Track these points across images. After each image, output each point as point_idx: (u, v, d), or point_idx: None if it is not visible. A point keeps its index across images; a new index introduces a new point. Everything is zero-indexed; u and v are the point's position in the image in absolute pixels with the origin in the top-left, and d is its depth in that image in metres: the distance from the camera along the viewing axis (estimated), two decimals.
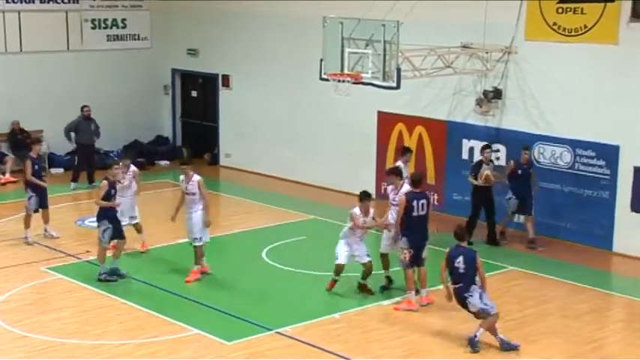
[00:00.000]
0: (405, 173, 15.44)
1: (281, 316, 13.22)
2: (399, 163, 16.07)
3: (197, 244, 14.70)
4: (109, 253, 14.80)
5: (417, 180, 13.97)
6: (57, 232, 17.05)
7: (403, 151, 16.75)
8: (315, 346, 12.15)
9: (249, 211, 19.38)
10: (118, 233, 14.70)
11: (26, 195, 16.77)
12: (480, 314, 12.08)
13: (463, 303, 12.19)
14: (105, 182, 14.62)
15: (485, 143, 17.31)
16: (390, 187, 14.36)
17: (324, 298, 14.18)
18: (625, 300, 14.53)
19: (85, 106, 21.29)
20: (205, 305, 13.67)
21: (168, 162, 24.10)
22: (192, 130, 25.20)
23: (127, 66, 24.32)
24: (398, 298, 13.83)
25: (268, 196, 20.56)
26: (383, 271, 14.36)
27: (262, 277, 15.20)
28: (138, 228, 16.33)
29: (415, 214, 13.53)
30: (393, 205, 14.01)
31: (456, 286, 12.15)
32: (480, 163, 16.91)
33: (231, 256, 16.69)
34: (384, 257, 14.34)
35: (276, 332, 12.60)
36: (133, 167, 16.39)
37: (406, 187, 14.03)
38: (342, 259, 13.96)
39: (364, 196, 13.88)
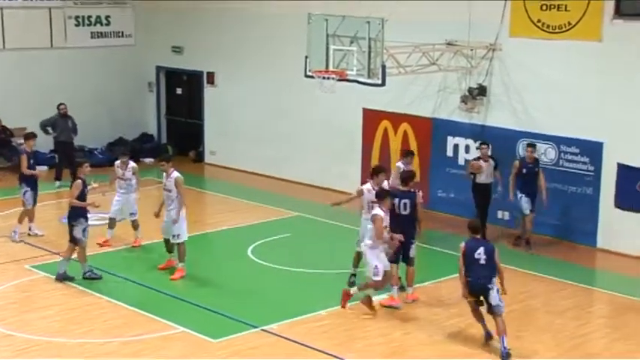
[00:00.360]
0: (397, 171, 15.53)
1: (267, 313, 13.21)
2: (399, 164, 16.03)
3: (177, 241, 14.67)
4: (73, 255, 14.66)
5: (405, 178, 13.93)
6: (41, 230, 16.98)
7: (405, 154, 16.43)
8: (300, 343, 12.15)
9: (235, 209, 19.35)
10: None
11: (21, 190, 16.74)
12: (494, 309, 11.95)
13: (484, 294, 11.94)
14: (79, 182, 14.40)
15: (481, 140, 17.23)
16: (369, 186, 14.13)
17: (310, 295, 14.19)
18: (608, 296, 14.59)
19: (61, 104, 21.15)
20: (191, 303, 13.64)
21: (152, 159, 24.03)
22: (177, 127, 25.15)
23: (111, 63, 24.23)
24: (383, 295, 13.84)
25: (253, 193, 20.54)
26: (351, 268, 14.31)
27: (248, 275, 15.18)
28: (135, 225, 16.34)
29: (397, 212, 13.47)
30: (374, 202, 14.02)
31: (476, 278, 11.93)
32: (477, 160, 16.88)
33: (216, 253, 16.69)
34: (357, 254, 14.22)
35: (262, 330, 12.59)
36: (132, 163, 16.41)
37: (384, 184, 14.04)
38: (381, 275, 13.01)
39: (386, 194, 13.28)
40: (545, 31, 17.09)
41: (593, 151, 16.62)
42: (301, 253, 16.17)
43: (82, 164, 14.78)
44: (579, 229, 16.92)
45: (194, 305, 13.56)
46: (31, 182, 16.73)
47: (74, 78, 23.46)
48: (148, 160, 24.04)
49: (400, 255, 13.57)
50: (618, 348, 12.32)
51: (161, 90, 25.19)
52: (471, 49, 17.80)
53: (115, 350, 11.93)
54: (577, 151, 16.86)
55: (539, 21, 17.16)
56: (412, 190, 13.81)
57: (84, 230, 14.40)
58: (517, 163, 16.63)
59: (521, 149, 17.42)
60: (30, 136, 17.27)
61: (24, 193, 16.68)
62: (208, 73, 23.53)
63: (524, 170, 16.45)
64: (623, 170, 16.23)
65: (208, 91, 23.70)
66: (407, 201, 13.52)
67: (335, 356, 11.78)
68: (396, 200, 13.47)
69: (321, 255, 16.09)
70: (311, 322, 12.93)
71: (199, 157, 24.14)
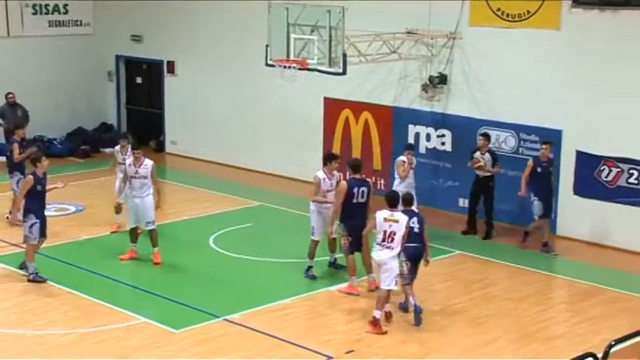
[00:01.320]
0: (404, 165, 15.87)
1: (229, 303, 13.19)
2: (402, 158, 16.04)
3: (153, 227, 14.68)
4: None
5: (355, 166, 13.93)
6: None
7: (406, 147, 16.37)
8: (262, 332, 12.14)
9: (196, 199, 19.26)
10: (42, 230, 13.92)
11: (14, 178, 16.83)
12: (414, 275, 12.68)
13: (418, 260, 12.55)
14: (30, 177, 13.72)
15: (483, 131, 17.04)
16: (322, 174, 14.13)
17: (272, 284, 14.19)
18: (567, 282, 14.76)
19: (8, 93, 20.86)
20: (152, 293, 13.58)
21: (113, 149, 23.81)
22: (138, 117, 24.96)
23: (70, 52, 23.96)
24: (345, 284, 13.88)
25: (215, 183, 20.46)
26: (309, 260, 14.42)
27: (210, 265, 15.14)
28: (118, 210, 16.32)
29: (355, 201, 13.51)
30: (332, 191, 14.06)
31: (411, 245, 12.44)
32: (476, 150, 16.72)
33: (178, 243, 16.55)
34: (314, 244, 14.28)
35: (224, 319, 12.57)
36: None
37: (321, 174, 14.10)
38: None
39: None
40: (505, 20, 17.19)
41: (552, 138, 16.71)
42: (263, 243, 16.16)
43: (39, 159, 13.95)
44: None
45: (156, 296, 13.50)
46: (23, 170, 16.80)
47: (32, 67, 23.16)
48: (109, 150, 23.83)
49: (355, 248, 13.58)
50: (579, 331, 12.45)
51: (121, 79, 24.97)
52: (432, 38, 17.86)
53: (76, 341, 11.83)
54: (536, 138, 16.98)
55: (498, 10, 17.25)
56: (366, 178, 13.96)
57: (31, 226, 13.74)
58: (531, 162, 15.89)
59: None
60: (19, 126, 17.44)
61: (17, 182, 16.71)
62: (168, 62, 23.37)
63: (538, 169, 15.68)
64: (582, 157, 16.39)
65: (169, 80, 23.54)
66: (365, 189, 13.59)
67: (297, 345, 11.78)
68: (355, 189, 13.50)
69: (283, 244, 16.07)
70: (273, 312, 12.93)
71: (160, 147, 23.99)
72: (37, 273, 13.94)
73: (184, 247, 16.25)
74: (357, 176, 13.76)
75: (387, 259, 12.20)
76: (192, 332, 12.14)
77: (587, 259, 15.78)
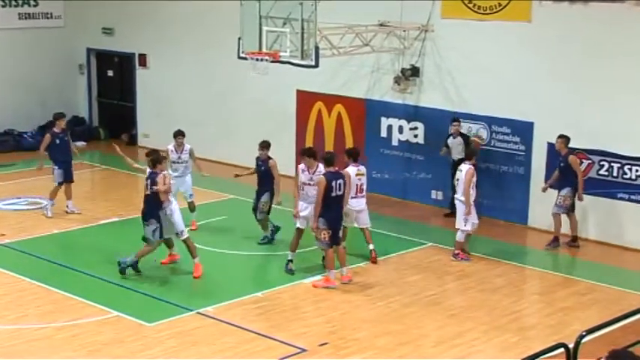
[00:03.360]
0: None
1: (202, 296, 13.19)
2: (466, 165, 14.92)
3: (183, 237, 14.04)
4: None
5: (329, 159, 13.91)
6: (78, 208, 17.03)
7: (470, 153, 15.29)
8: (236, 325, 12.14)
9: None
10: (161, 234, 13.82)
11: (53, 168, 16.98)
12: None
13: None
14: (165, 174, 13.74)
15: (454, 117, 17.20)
16: (302, 166, 14.24)
17: (246, 277, 14.20)
18: (539, 273, 14.86)
19: None
20: (125, 287, 13.52)
21: (84, 143, 23.71)
22: (109, 110, 24.83)
23: (41, 45, 23.77)
24: (318, 276, 13.90)
25: None
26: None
27: (183, 258, 15.08)
28: (192, 207, 16.25)
29: (333, 194, 13.54)
30: (310, 184, 14.04)
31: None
32: (448, 137, 17.00)
33: None
34: (299, 234, 14.27)
35: (197, 312, 12.56)
36: (187, 145, 16.36)
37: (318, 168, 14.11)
38: None
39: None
40: (476, 12, 17.26)
41: (523, 130, 16.86)
42: (237, 236, 16.13)
43: (161, 161, 13.93)
44: (511, 208, 17.18)
45: (128, 290, 13.45)
46: (59, 161, 16.89)
47: (2, 60, 22.98)
48: (80, 144, 23.68)
49: (333, 241, 13.63)
50: (551, 322, 12.55)
51: (92, 72, 24.84)
52: (404, 30, 17.90)
53: (50, 335, 11.77)
54: (508, 131, 17.10)
55: (470, 2, 17.32)
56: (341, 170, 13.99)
57: (154, 231, 13.68)
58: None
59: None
60: (58, 117, 17.35)
61: (53, 171, 16.92)
62: (140, 54, 23.26)
63: (559, 163, 15.54)
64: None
65: (140, 73, 23.43)
66: (341, 181, 13.63)
67: (271, 337, 11.79)
68: (333, 182, 13.50)
69: (256, 237, 16.04)
70: (247, 304, 12.93)
71: (132, 140, 23.88)
72: (136, 262, 13.91)
73: None
74: (332, 169, 13.78)
75: (364, 205, 14.61)
76: (166, 325, 12.11)
77: (559, 250, 15.88)
